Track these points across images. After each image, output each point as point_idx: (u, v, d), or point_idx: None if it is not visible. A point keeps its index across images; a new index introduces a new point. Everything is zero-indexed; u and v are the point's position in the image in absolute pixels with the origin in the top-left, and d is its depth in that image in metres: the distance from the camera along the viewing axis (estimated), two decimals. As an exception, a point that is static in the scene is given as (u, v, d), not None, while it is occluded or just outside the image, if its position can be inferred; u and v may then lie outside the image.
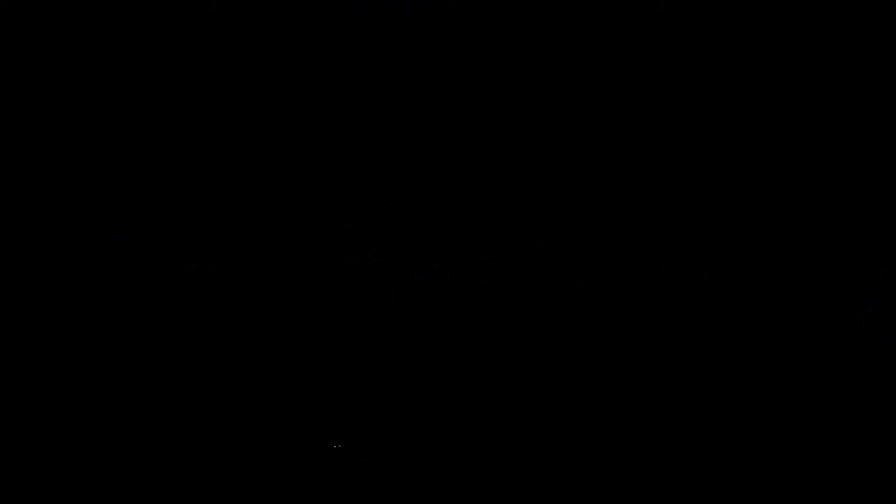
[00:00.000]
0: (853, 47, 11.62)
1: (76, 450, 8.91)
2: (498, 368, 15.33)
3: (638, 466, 8.30)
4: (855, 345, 15.13)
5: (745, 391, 12.80)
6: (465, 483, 7.45)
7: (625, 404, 11.16)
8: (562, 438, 9.57)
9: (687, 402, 11.36)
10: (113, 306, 11.07)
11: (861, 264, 11.36)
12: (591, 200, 11.97)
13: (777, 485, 7.40)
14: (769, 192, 11.97)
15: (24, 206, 11.04)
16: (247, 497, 7.14)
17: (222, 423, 10.31)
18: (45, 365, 11.91)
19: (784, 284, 12.26)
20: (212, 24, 11.32)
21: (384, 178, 12.99)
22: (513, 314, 13.58)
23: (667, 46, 11.67)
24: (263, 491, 7.22)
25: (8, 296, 10.91)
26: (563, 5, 12.05)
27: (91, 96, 11.93)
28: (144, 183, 11.55)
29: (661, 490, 7.31)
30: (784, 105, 11.84)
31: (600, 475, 7.78)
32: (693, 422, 10.27)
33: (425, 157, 12.57)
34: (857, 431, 9.45)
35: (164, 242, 11.64)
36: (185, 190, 12.08)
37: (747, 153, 11.82)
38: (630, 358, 15.01)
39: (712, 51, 11.88)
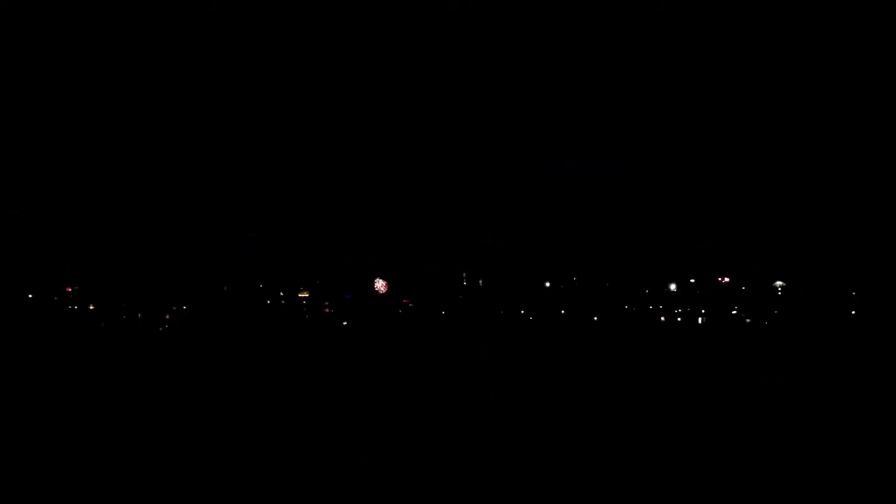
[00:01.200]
0: (853, 48, 11.57)
1: (76, 448, 8.92)
2: (498, 367, 15.25)
3: (637, 461, 8.32)
4: (855, 345, 15.01)
5: (744, 390, 12.75)
6: (466, 483, 7.46)
7: (625, 403, 11.13)
8: (561, 437, 9.57)
9: (687, 401, 11.34)
10: (113, 306, 11.03)
11: (861, 264, 11.30)
12: (591, 201, 11.88)
13: (774, 480, 7.41)
14: (769, 193, 11.89)
15: (25, 206, 11.01)
16: (247, 497, 7.15)
17: (222, 423, 10.31)
18: (46, 364, 11.83)
19: (784, 284, 12.20)
20: (212, 24, 11.28)
21: (385, 178, 12.88)
22: (513, 314, 13.43)
23: (667, 46, 11.62)
24: (263, 491, 7.23)
25: (8, 295, 10.89)
26: (565, 6, 11.98)
27: (90, 96, 11.86)
28: (144, 183, 11.49)
29: (658, 484, 7.33)
30: (784, 106, 11.77)
31: (600, 470, 7.80)
32: (692, 419, 10.26)
33: (426, 157, 12.46)
34: (857, 429, 9.44)
35: (164, 242, 11.59)
36: (184, 190, 12.01)
37: (748, 154, 11.74)
38: (630, 357, 14.89)
39: (712, 51, 11.83)
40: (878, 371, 16.05)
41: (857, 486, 7.32)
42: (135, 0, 14.47)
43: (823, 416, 10.58)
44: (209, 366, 16.11)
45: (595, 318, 24.73)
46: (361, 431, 9.71)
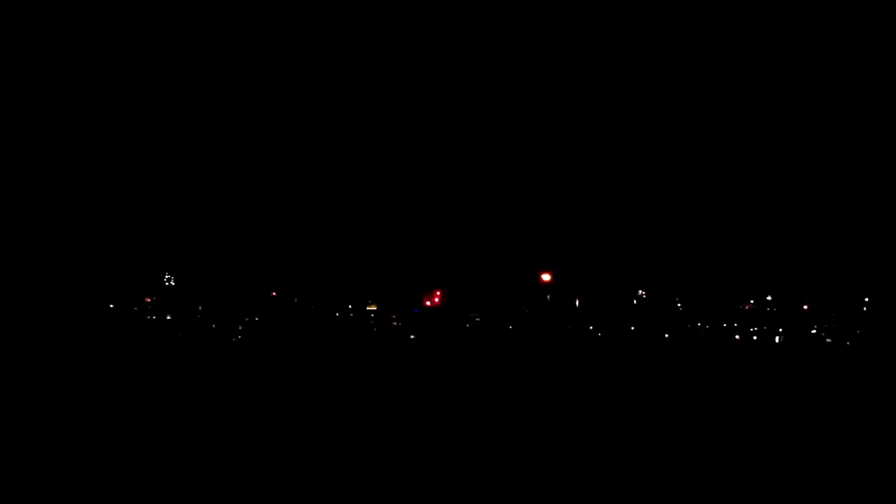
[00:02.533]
0: (854, 48, 11.55)
1: (76, 448, 8.93)
2: (498, 368, 15.19)
3: (636, 461, 8.34)
4: (855, 345, 14.95)
5: (745, 391, 12.72)
6: (466, 483, 7.47)
7: (624, 403, 11.12)
8: (561, 436, 9.59)
9: (686, 401, 11.31)
10: (112, 306, 11.00)
11: (861, 264, 11.28)
12: (591, 201, 11.84)
13: (777, 482, 7.42)
14: (770, 194, 11.87)
15: (25, 206, 11.00)
16: (247, 497, 7.16)
17: (221, 424, 10.31)
18: (46, 365, 11.77)
19: (784, 284, 12.16)
20: (212, 24, 11.27)
21: (385, 178, 12.83)
22: (513, 314, 13.36)
23: (667, 46, 11.61)
24: (263, 491, 7.24)
25: (8, 295, 10.85)
26: (565, 6, 11.97)
27: (90, 96, 11.85)
28: (144, 183, 11.47)
29: (659, 481, 7.34)
30: (784, 106, 11.75)
31: (599, 470, 7.82)
32: (691, 419, 10.26)
33: (426, 157, 12.43)
34: (857, 430, 9.45)
35: (163, 242, 11.56)
36: (184, 190, 11.98)
37: (748, 155, 11.72)
38: (630, 358, 14.79)
39: (712, 51, 11.81)
40: (878, 371, 16.04)
41: (858, 486, 7.33)
42: (135, 0, 14.44)
43: (823, 416, 10.57)
44: (220, 369, 16.14)
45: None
46: (361, 431, 9.72)
